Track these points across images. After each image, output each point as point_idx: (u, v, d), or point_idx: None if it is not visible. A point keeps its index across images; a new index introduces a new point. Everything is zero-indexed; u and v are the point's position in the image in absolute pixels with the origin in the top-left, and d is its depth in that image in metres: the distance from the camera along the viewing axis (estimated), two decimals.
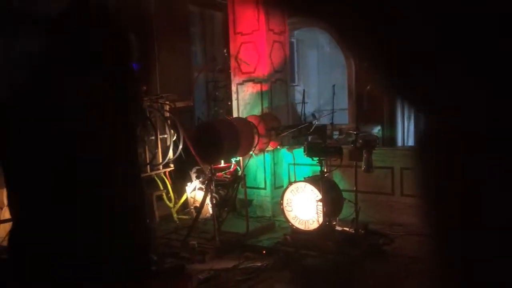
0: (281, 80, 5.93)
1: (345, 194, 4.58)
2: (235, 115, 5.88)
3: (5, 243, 4.14)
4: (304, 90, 6.31)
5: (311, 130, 4.74)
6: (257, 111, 5.68)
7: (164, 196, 5.52)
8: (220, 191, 5.24)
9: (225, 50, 6.68)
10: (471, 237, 0.53)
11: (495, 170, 0.50)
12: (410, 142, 7.31)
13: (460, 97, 0.51)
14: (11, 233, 1.47)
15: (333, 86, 5.19)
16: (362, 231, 4.38)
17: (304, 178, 4.64)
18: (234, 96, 5.97)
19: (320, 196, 4.27)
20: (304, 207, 4.47)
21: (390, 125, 7.40)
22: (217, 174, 5.20)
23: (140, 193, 1.58)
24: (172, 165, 5.57)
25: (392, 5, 0.52)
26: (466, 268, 0.55)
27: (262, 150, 5.43)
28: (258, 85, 5.74)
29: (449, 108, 0.53)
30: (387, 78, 0.58)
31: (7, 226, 4.35)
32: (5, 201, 4.41)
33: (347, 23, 0.56)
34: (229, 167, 5.52)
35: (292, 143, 5.82)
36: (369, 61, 0.60)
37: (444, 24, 0.50)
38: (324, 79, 10.39)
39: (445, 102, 0.53)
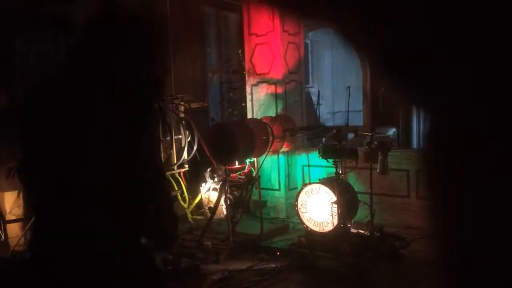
0: (295, 81, 5.92)
1: (360, 196, 4.55)
2: (249, 116, 5.88)
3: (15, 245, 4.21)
4: (318, 92, 6.28)
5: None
6: (272, 112, 5.68)
7: (179, 197, 5.55)
8: (235, 192, 5.25)
9: (239, 51, 6.69)
10: (472, 238, 0.53)
11: (495, 170, 0.50)
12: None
13: (461, 96, 0.51)
14: (31, 233, 1.49)
15: (348, 87, 5.16)
16: (378, 234, 4.34)
17: (319, 179, 4.62)
18: (248, 97, 5.98)
19: (335, 198, 4.24)
20: (318, 209, 4.45)
21: (406, 127, 7.33)
22: (231, 175, 5.21)
23: (159, 194, 1.59)
24: (186, 166, 5.60)
25: (394, 5, 0.52)
26: (468, 269, 0.55)
27: (276, 151, 5.42)
28: (273, 87, 5.74)
29: (450, 107, 0.53)
30: (391, 78, 0.59)
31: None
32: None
33: (352, 24, 0.56)
34: (243, 168, 5.53)
35: (307, 145, 5.80)
36: (374, 61, 0.60)
37: (444, 24, 0.50)
38: (339, 80, 10.34)
39: (446, 101, 0.53)
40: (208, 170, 5.49)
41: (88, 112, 1.39)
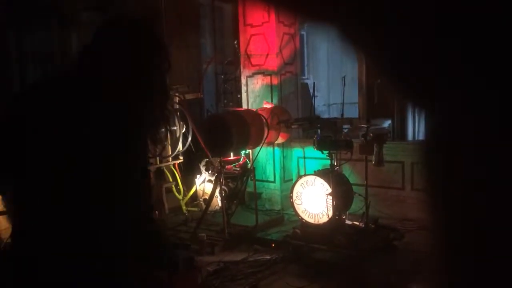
0: (291, 73, 5.90)
1: (355, 188, 4.54)
2: (244, 107, 5.86)
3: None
4: (314, 83, 6.25)
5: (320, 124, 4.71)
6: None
7: (173, 188, 5.54)
8: (229, 184, 5.24)
9: (235, 42, 6.65)
10: (472, 236, 0.53)
11: (496, 171, 0.50)
12: (421, 136, 7.24)
13: (462, 97, 0.51)
14: (15, 234, 1.45)
15: (344, 77, 5.14)
16: (372, 226, 4.35)
17: (314, 171, 4.61)
18: (243, 88, 5.95)
19: (330, 190, 4.24)
20: (313, 201, 4.45)
21: (401, 119, 7.33)
22: (226, 166, 5.20)
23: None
24: (181, 157, 5.58)
25: (394, 5, 0.51)
26: (467, 266, 0.54)
27: (271, 143, 5.40)
28: (268, 78, 5.71)
29: (451, 108, 0.52)
30: (391, 78, 0.58)
31: None
32: None
33: (352, 23, 0.56)
34: (238, 160, 5.52)
35: (302, 137, 5.79)
36: (374, 61, 0.60)
37: (445, 24, 0.49)
38: (334, 72, 10.33)
39: (447, 102, 0.52)
40: (203, 161, 5.48)
41: (86, 112, 1.38)
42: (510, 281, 0.50)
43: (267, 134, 5.04)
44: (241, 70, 5.96)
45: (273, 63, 5.65)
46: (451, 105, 0.52)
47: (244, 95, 5.95)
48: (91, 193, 1.37)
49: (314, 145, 4.41)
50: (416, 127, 7.40)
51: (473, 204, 0.51)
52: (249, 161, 5.47)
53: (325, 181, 4.30)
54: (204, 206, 5.19)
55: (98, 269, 1.36)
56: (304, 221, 4.51)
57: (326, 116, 9.25)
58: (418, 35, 0.51)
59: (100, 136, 1.38)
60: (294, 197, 4.55)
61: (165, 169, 5.44)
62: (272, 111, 5.30)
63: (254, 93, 5.83)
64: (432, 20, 0.50)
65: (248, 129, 4.81)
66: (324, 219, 4.36)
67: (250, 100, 5.86)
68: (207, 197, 5.23)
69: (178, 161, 5.55)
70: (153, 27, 1.51)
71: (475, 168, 0.51)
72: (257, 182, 5.26)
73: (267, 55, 5.66)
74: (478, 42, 0.48)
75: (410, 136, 7.41)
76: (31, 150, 1.36)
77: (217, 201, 5.14)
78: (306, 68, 10.50)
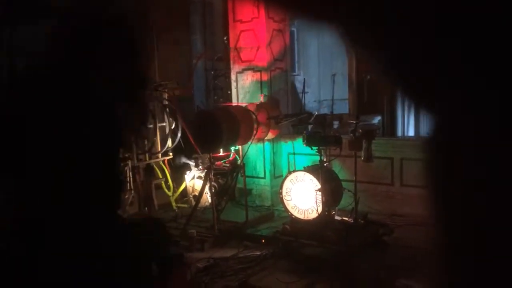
0: (281, 69, 5.89)
1: (344, 184, 4.57)
2: (234, 103, 5.85)
3: None
4: (304, 80, 6.27)
5: (311, 120, 4.72)
6: (257, 100, 5.64)
7: (163, 185, 5.51)
8: (219, 180, 5.24)
9: (225, 38, 6.62)
10: (472, 235, 0.53)
11: (496, 171, 0.50)
12: (410, 132, 7.31)
13: (464, 98, 0.51)
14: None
15: (333, 75, 5.17)
16: (362, 221, 4.37)
17: (304, 167, 4.62)
18: (233, 84, 5.93)
19: (319, 186, 4.25)
20: (303, 197, 4.46)
21: (391, 115, 7.38)
22: (216, 163, 5.19)
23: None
24: (171, 154, 5.55)
25: (394, 5, 0.51)
26: (466, 264, 0.54)
27: (261, 139, 5.40)
28: (258, 74, 5.70)
29: (453, 109, 0.52)
30: (393, 79, 0.58)
31: None
32: None
33: (352, 24, 0.55)
34: (228, 156, 5.51)
35: (292, 132, 5.79)
36: (375, 62, 0.59)
37: (446, 24, 0.49)
38: (325, 69, 10.34)
39: (449, 103, 0.52)
40: (192, 157, 5.47)
41: (86, 112, 1.37)
42: (510, 281, 0.50)
43: (257, 130, 5.04)
44: (231, 66, 5.94)
45: (263, 59, 5.64)
46: (451, 105, 0.52)
47: (234, 91, 5.93)
48: (91, 193, 1.36)
49: (303, 141, 4.42)
50: (405, 123, 7.46)
51: (473, 204, 0.51)
52: (239, 157, 5.46)
53: (315, 177, 4.31)
54: (194, 202, 5.18)
55: (98, 269, 1.35)
56: (293, 217, 4.53)
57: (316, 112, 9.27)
58: (418, 35, 0.51)
59: (100, 136, 1.37)
60: (283, 193, 4.56)
61: (154, 166, 5.41)
62: (262, 106, 5.29)
63: (244, 89, 5.82)
64: (432, 20, 0.49)
65: (238, 125, 4.80)
66: (314, 215, 4.37)
67: (240, 96, 5.85)
68: (197, 194, 5.22)
69: (167, 158, 5.53)
70: (150, 27, 1.50)
71: (475, 168, 0.51)
72: (247, 178, 5.25)
73: (257, 51, 5.65)
74: (478, 42, 0.48)
75: (399, 132, 7.47)
76: (31, 150, 1.34)
77: (207, 197, 5.13)
78: (296, 64, 10.50)
